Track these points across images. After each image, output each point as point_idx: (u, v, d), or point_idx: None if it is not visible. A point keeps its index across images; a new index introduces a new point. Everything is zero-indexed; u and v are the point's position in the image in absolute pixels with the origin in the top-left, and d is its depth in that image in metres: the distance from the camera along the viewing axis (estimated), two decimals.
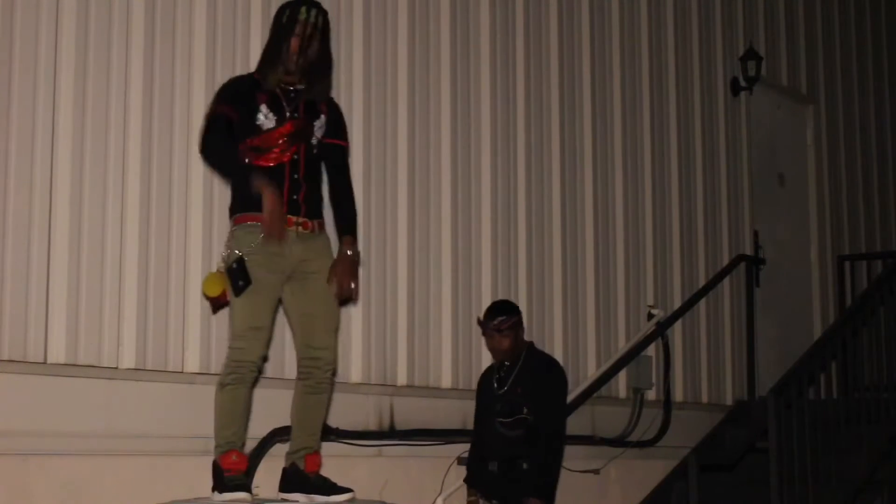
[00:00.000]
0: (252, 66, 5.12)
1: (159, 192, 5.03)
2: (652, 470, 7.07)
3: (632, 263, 7.44)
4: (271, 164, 4.52)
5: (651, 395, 7.30)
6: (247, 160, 4.54)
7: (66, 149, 4.74)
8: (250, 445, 4.99)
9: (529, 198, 6.78)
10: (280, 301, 4.68)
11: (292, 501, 4.54)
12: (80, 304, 4.71)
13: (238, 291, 4.45)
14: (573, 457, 6.40)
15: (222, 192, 5.17)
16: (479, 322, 5.70)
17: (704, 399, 7.87)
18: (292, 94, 4.61)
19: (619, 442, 6.96)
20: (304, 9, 4.60)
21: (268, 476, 4.94)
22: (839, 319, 7.39)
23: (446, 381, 6.16)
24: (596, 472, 6.72)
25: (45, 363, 4.60)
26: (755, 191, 8.66)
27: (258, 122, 4.54)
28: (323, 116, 4.69)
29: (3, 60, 4.59)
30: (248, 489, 4.45)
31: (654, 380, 7.29)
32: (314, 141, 4.64)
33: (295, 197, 4.55)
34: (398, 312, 5.97)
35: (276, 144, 4.53)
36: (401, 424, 5.87)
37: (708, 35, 8.38)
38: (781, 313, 8.78)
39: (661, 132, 7.82)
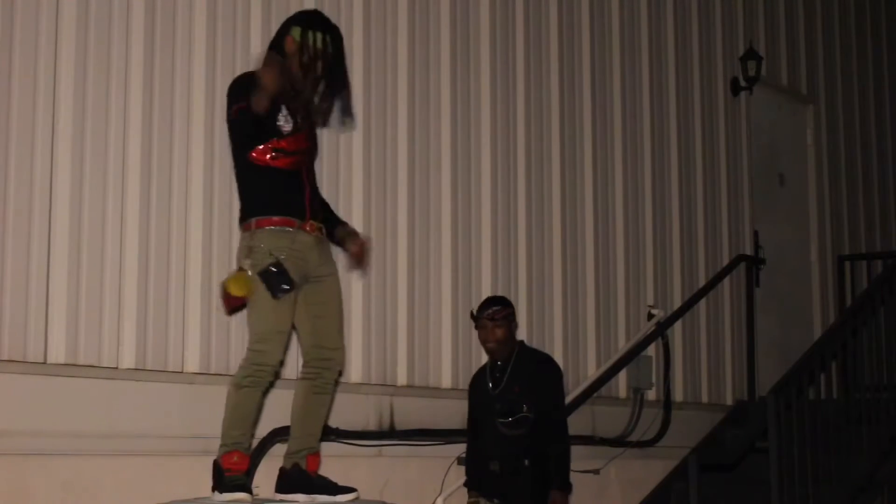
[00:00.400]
0: (252, 66, 5.12)
1: (159, 192, 5.03)
2: (652, 470, 7.07)
3: (632, 263, 7.44)
4: (292, 168, 4.53)
5: (651, 395, 7.30)
6: (267, 158, 4.50)
7: (66, 149, 4.74)
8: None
9: (529, 198, 6.78)
10: None
11: (292, 502, 4.54)
12: (80, 304, 4.71)
13: (280, 293, 4.41)
14: (573, 456, 6.38)
15: (222, 192, 5.18)
16: (472, 316, 5.67)
17: (704, 399, 7.87)
18: (305, 103, 4.60)
19: (619, 442, 6.96)
20: (321, 36, 4.55)
21: (268, 476, 4.94)
22: (839, 319, 7.38)
23: (446, 381, 6.16)
24: (596, 472, 6.72)
25: (45, 363, 4.60)
26: (755, 191, 8.66)
27: (279, 123, 4.51)
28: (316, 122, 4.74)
29: (3, 60, 4.59)
30: (248, 489, 4.44)
31: (654, 380, 7.29)
32: (315, 151, 4.75)
33: (314, 202, 4.61)
34: (398, 312, 5.98)
35: (298, 149, 4.54)
36: (401, 424, 5.87)
37: (708, 35, 8.38)
38: (781, 313, 8.78)
39: (661, 132, 7.82)
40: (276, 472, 4.65)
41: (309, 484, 4.55)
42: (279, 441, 5.12)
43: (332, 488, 4.53)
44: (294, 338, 4.97)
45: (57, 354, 4.63)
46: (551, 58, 7.05)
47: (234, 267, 4.59)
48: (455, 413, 5.98)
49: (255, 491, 4.59)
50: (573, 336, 6.97)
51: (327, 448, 4.95)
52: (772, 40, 9.06)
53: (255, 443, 5.05)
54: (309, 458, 4.60)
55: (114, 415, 4.77)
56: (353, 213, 5.77)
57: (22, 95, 4.63)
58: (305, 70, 4.51)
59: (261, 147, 4.50)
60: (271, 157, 4.50)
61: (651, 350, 7.32)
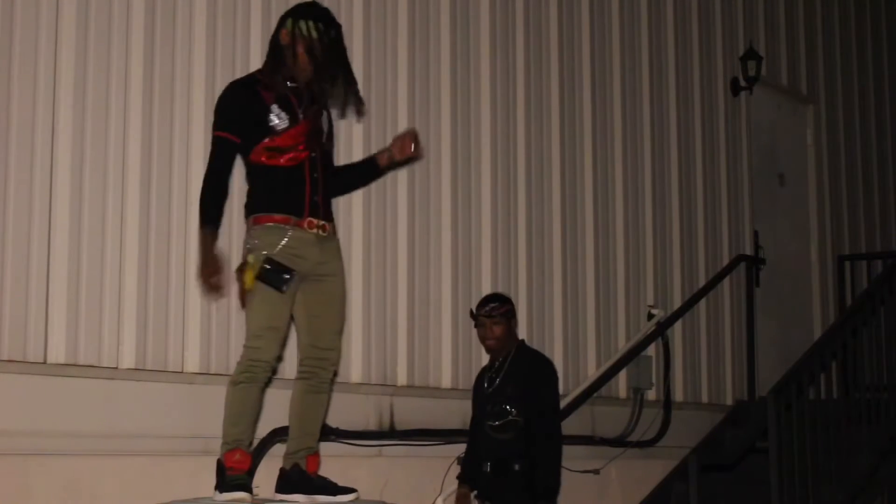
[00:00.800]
0: (252, 66, 5.13)
1: (159, 192, 5.03)
2: (652, 470, 7.07)
3: (632, 263, 7.44)
4: (292, 165, 4.51)
5: (651, 395, 7.30)
6: (263, 159, 4.51)
7: (66, 149, 4.74)
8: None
9: (529, 198, 6.78)
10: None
11: (292, 502, 4.54)
12: (80, 304, 4.71)
13: (284, 285, 4.42)
14: (573, 457, 6.40)
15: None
16: (472, 314, 5.67)
17: (704, 399, 7.87)
18: (301, 92, 4.58)
19: (619, 442, 6.96)
20: (312, 24, 4.54)
21: (268, 476, 4.93)
22: (839, 319, 7.39)
23: (446, 381, 6.16)
24: (596, 472, 6.72)
25: (45, 363, 4.60)
26: (755, 191, 8.66)
27: (272, 123, 4.51)
28: (325, 112, 4.69)
29: (3, 60, 4.59)
30: (248, 489, 4.44)
31: (654, 380, 7.29)
32: (324, 139, 4.64)
33: (316, 198, 4.54)
34: (398, 312, 5.97)
35: (296, 144, 4.52)
36: (401, 424, 5.87)
37: (708, 35, 8.38)
38: (781, 313, 8.78)
39: (661, 132, 7.82)
40: (277, 472, 4.65)
41: (308, 484, 4.54)
42: (279, 441, 5.12)
43: (332, 488, 4.52)
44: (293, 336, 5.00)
45: (57, 354, 4.63)
46: (551, 58, 7.06)
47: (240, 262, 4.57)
48: (455, 413, 5.98)
49: (255, 491, 4.59)
50: (573, 336, 6.97)
51: (327, 448, 4.95)
52: (772, 40, 9.06)
53: (254, 443, 5.06)
54: (308, 458, 4.60)
55: (114, 415, 4.77)
56: (353, 212, 5.77)
57: (22, 95, 4.63)
58: (302, 59, 4.51)
59: (256, 148, 4.51)
60: (267, 157, 4.51)
61: (651, 350, 7.32)
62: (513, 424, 5.35)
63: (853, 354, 7.21)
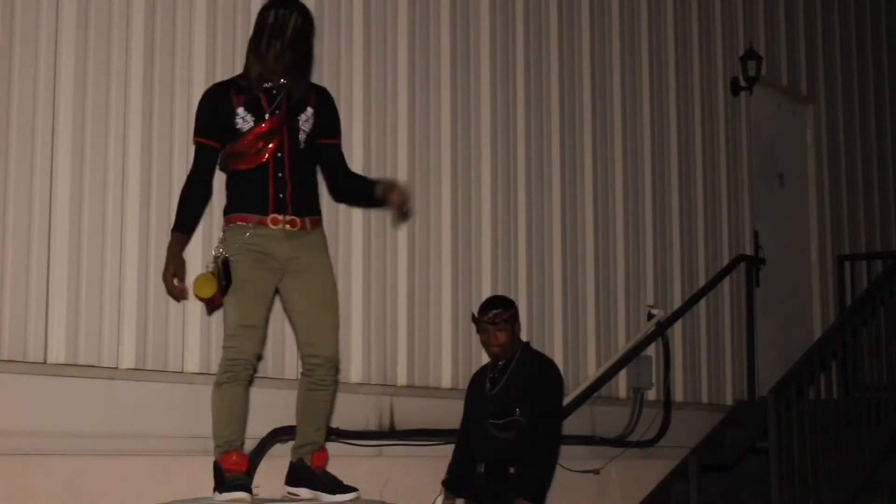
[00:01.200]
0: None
1: (159, 192, 5.03)
2: (652, 470, 7.08)
3: (632, 263, 7.44)
4: (253, 167, 4.52)
5: (651, 395, 7.30)
6: (229, 165, 4.58)
7: (66, 149, 4.74)
8: (250, 445, 4.99)
9: (529, 198, 6.78)
10: (278, 299, 4.70)
11: (296, 497, 4.54)
12: (80, 304, 4.71)
13: (223, 292, 4.47)
14: (573, 457, 6.40)
15: (221, 193, 5.16)
16: (474, 318, 5.64)
17: (704, 399, 7.87)
18: (274, 92, 4.57)
19: (619, 442, 6.96)
20: (283, 11, 4.56)
21: (268, 476, 4.94)
22: (839, 319, 7.39)
23: (446, 381, 6.16)
24: (596, 472, 6.72)
25: (45, 363, 4.60)
26: (755, 191, 8.67)
27: (238, 127, 4.54)
28: (310, 109, 4.63)
29: (3, 60, 4.59)
30: (248, 489, 4.44)
31: (654, 380, 7.29)
32: (301, 136, 4.60)
33: (281, 195, 4.52)
34: (398, 312, 5.97)
35: (252, 146, 4.53)
36: (401, 424, 5.87)
37: (708, 35, 8.38)
38: (781, 313, 8.78)
39: (660, 132, 7.82)
40: (277, 472, 4.66)
41: (312, 480, 4.57)
42: (279, 441, 5.13)
43: (332, 487, 4.53)
44: (285, 337, 5.00)
45: (57, 354, 4.63)
46: (551, 58, 7.06)
47: None
48: (455, 413, 5.97)
49: (255, 491, 4.59)
50: (573, 336, 6.97)
51: (327, 448, 4.94)
52: (772, 40, 9.07)
53: (254, 443, 5.06)
54: (314, 454, 4.61)
55: (114, 415, 4.77)
56: (353, 212, 5.77)
57: (22, 95, 4.63)
58: (270, 48, 4.52)
59: (223, 153, 4.59)
60: (231, 163, 4.56)
61: (651, 350, 7.32)
62: (515, 424, 5.33)
63: (853, 354, 7.21)
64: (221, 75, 5.22)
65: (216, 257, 4.50)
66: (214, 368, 5.04)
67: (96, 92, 4.85)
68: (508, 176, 6.68)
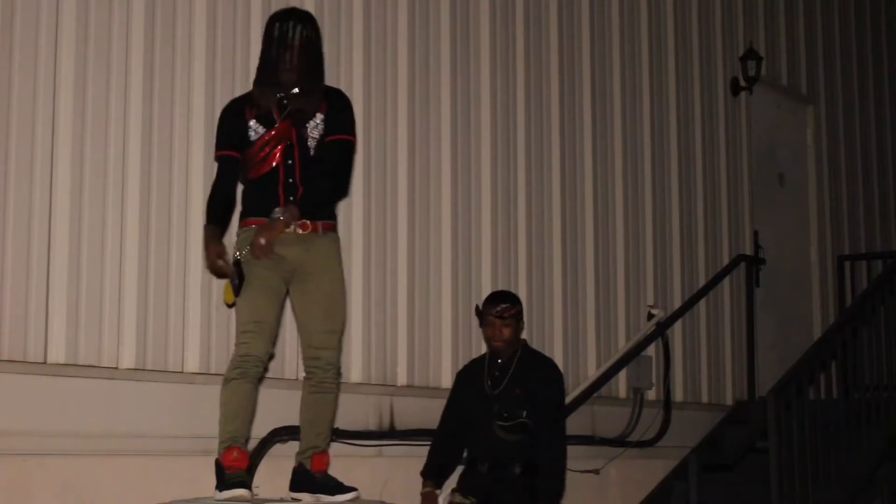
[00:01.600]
0: (252, 67, 5.12)
1: (159, 192, 5.03)
2: (652, 470, 7.08)
3: (632, 263, 7.44)
4: (261, 174, 4.57)
5: (651, 395, 7.30)
6: (244, 177, 4.67)
7: (66, 149, 4.74)
8: (250, 445, 4.99)
9: (529, 197, 6.78)
10: (288, 300, 4.73)
11: (297, 501, 4.55)
12: (80, 304, 4.71)
13: (236, 290, 4.50)
14: (573, 457, 6.38)
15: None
16: (478, 311, 5.56)
17: (704, 399, 7.87)
18: (285, 102, 4.61)
19: (619, 442, 6.96)
20: (290, 23, 4.60)
21: (269, 476, 4.94)
22: (839, 319, 7.39)
23: (446, 381, 6.15)
24: (596, 472, 6.73)
25: (45, 363, 4.60)
26: (755, 191, 8.67)
27: (251, 139, 4.61)
28: (319, 116, 4.65)
29: (3, 60, 4.59)
30: (247, 487, 4.44)
31: (654, 380, 7.29)
32: (311, 143, 4.62)
33: (291, 199, 4.56)
34: (398, 312, 5.97)
35: (259, 153, 4.58)
36: (401, 424, 5.87)
37: (708, 35, 8.38)
38: (781, 313, 8.78)
39: (660, 132, 7.83)
40: (277, 472, 4.67)
41: (312, 483, 4.58)
42: (279, 441, 5.13)
43: (333, 488, 4.54)
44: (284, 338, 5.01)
45: (57, 354, 4.63)
46: (551, 58, 7.06)
47: None
48: None
49: (255, 491, 4.59)
50: (573, 336, 6.97)
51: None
52: (772, 40, 9.07)
53: (254, 443, 5.06)
54: (314, 457, 4.62)
55: (114, 415, 4.77)
56: (353, 212, 5.77)
57: (22, 95, 4.63)
58: (278, 60, 4.56)
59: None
60: (244, 172, 4.64)
61: (651, 350, 7.32)
62: (522, 426, 5.31)
63: (853, 354, 7.21)
64: (221, 76, 5.22)
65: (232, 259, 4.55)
66: (214, 368, 5.06)
67: (96, 92, 4.85)
68: (508, 176, 6.68)
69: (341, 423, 5.41)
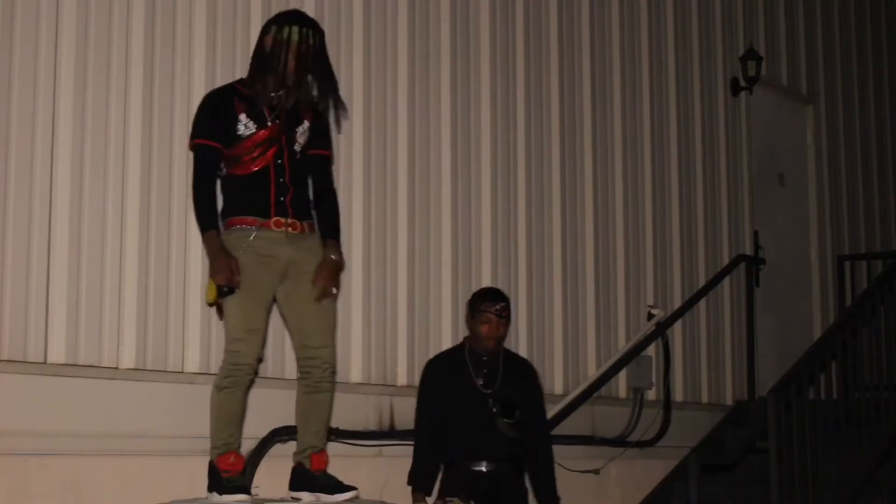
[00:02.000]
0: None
1: (159, 192, 5.03)
2: (652, 470, 7.08)
3: (632, 263, 7.44)
4: (253, 171, 4.54)
5: (651, 395, 7.30)
6: (226, 169, 4.59)
7: (66, 149, 4.74)
8: (249, 445, 5.00)
9: (529, 198, 6.78)
10: (275, 303, 4.70)
11: (297, 500, 4.55)
12: (80, 304, 4.71)
13: (222, 296, 4.47)
14: (573, 457, 6.41)
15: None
16: (472, 305, 5.48)
17: (704, 399, 7.87)
18: (275, 101, 4.61)
19: (619, 442, 6.96)
20: (298, 28, 4.59)
21: (268, 476, 4.94)
22: (839, 319, 7.39)
23: None
24: (596, 472, 6.72)
25: (45, 363, 4.59)
26: (755, 191, 8.67)
27: (239, 133, 4.57)
28: (306, 122, 4.69)
29: (3, 60, 4.59)
30: (247, 491, 4.45)
31: (654, 380, 7.29)
32: (297, 147, 4.65)
33: (282, 199, 4.57)
34: (398, 312, 5.97)
35: (249, 152, 4.55)
36: (401, 424, 5.86)
37: (708, 35, 8.38)
38: (781, 313, 8.78)
39: (660, 132, 7.82)
40: (277, 472, 4.66)
41: (311, 482, 4.57)
42: (279, 441, 5.13)
43: (332, 487, 4.54)
44: (284, 337, 5.00)
45: (57, 354, 4.63)
46: (551, 58, 7.06)
47: None
48: None
49: (254, 491, 4.60)
50: (573, 336, 6.97)
51: (327, 448, 4.94)
52: (772, 40, 9.07)
53: (254, 443, 5.06)
54: (313, 456, 4.61)
55: (114, 415, 4.77)
56: (353, 212, 5.77)
57: (22, 95, 4.63)
58: (289, 65, 4.54)
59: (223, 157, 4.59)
60: (228, 167, 4.57)
61: (651, 350, 7.32)
62: (522, 424, 5.36)
63: (853, 354, 7.21)
64: (221, 76, 5.22)
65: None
66: (214, 368, 5.05)
67: (96, 92, 4.85)
68: (508, 176, 6.68)
69: (341, 423, 5.41)
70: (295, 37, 4.57)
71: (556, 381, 6.80)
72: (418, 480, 5.37)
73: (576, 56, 7.24)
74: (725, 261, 8.19)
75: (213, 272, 4.46)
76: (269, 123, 4.58)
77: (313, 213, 4.74)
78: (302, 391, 4.65)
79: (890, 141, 10.51)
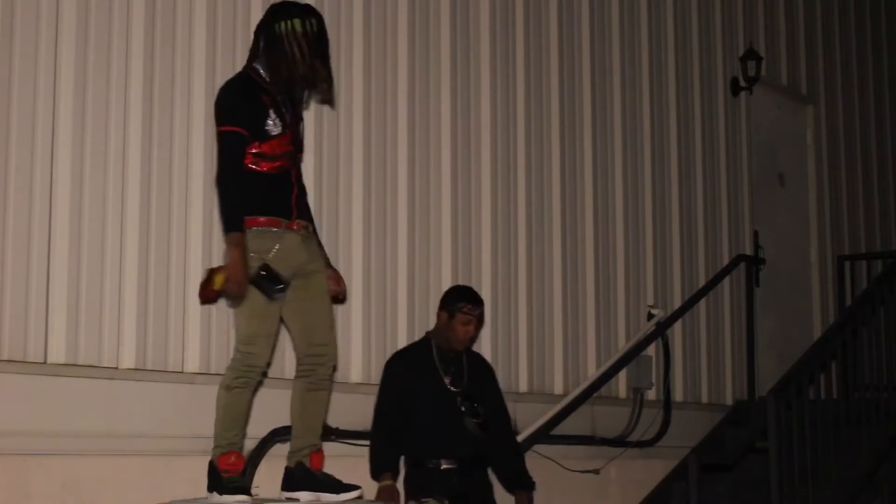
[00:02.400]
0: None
1: (159, 192, 5.03)
2: (652, 470, 7.07)
3: (632, 263, 7.44)
4: (277, 172, 4.50)
5: (651, 395, 7.30)
6: (249, 163, 4.46)
7: (66, 149, 4.74)
8: (249, 445, 4.99)
9: (529, 198, 6.78)
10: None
11: (296, 500, 4.54)
12: (80, 304, 4.71)
13: (276, 295, 4.42)
14: (573, 457, 6.41)
15: None
16: (449, 303, 5.44)
17: (704, 399, 7.87)
18: (285, 98, 4.58)
19: (619, 442, 6.96)
20: (313, 20, 4.54)
21: (268, 476, 4.94)
22: (839, 319, 7.39)
23: None
24: (596, 472, 6.72)
25: (45, 363, 4.60)
26: (755, 191, 8.67)
27: (267, 128, 4.48)
28: (301, 122, 4.70)
29: (3, 60, 4.59)
30: (247, 491, 4.45)
31: (654, 380, 7.29)
32: (299, 145, 4.67)
33: (301, 200, 4.60)
34: (398, 312, 5.97)
35: (284, 153, 4.52)
36: None
37: (708, 35, 8.38)
38: (781, 313, 8.78)
39: (660, 132, 7.82)
40: (277, 472, 4.65)
41: (313, 481, 4.56)
42: (279, 441, 5.13)
43: (336, 486, 4.53)
44: (285, 338, 5.00)
45: (57, 354, 4.63)
46: (551, 58, 7.05)
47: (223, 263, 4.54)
48: None
49: (254, 491, 4.59)
50: (573, 336, 6.97)
51: (327, 448, 4.93)
52: (772, 40, 9.07)
53: (254, 443, 5.06)
54: (312, 455, 4.60)
55: (114, 415, 4.77)
56: (353, 213, 5.78)
57: (22, 95, 4.63)
58: (301, 59, 4.49)
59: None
60: (252, 162, 4.46)
61: (651, 350, 7.32)
62: (484, 424, 5.41)
63: (853, 354, 7.21)
64: (221, 76, 5.20)
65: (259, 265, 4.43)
66: (214, 368, 5.05)
67: (96, 92, 4.85)
68: (508, 176, 6.68)
69: (341, 423, 5.42)
70: (303, 28, 4.48)
71: (556, 381, 6.81)
72: (380, 467, 5.32)
73: (576, 56, 7.24)
74: (725, 261, 8.19)
75: (229, 277, 4.35)
76: (290, 123, 4.54)
77: None
78: (303, 389, 4.63)
79: (890, 141, 10.51)
